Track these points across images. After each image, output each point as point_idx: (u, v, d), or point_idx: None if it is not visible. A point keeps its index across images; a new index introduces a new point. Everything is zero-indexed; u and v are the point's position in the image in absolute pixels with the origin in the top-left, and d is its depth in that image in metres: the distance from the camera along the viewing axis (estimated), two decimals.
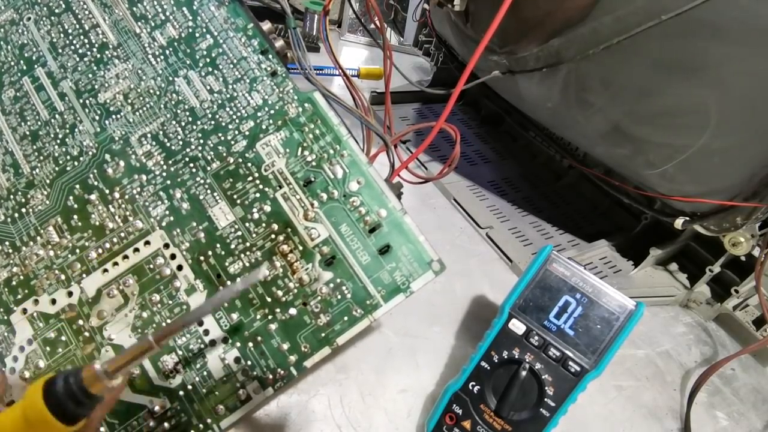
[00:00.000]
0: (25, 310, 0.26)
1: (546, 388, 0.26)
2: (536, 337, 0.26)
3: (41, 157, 0.28)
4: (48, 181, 0.27)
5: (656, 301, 0.41)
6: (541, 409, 0.25)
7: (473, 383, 0.27)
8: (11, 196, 0.28)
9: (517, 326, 0.27)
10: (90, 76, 0.29)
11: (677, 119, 0.31)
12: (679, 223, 0.37)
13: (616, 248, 0.45)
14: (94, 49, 0.29)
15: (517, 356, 0.26)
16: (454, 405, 0.27)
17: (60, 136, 0.28)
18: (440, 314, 0.35)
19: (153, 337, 0.18)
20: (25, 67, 0.29)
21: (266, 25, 0.29)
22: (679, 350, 0.37)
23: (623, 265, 0.43)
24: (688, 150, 0.31)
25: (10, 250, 0.27)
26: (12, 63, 0.29)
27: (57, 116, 0.28)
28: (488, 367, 0.27)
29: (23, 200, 0.27)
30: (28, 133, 0.28)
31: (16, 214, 0.27)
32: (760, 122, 0.29)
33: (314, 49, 0.75)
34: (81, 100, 0.28)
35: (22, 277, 0.26)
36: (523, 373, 0.26)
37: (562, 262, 0.27)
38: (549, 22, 0.33)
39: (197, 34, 0.28)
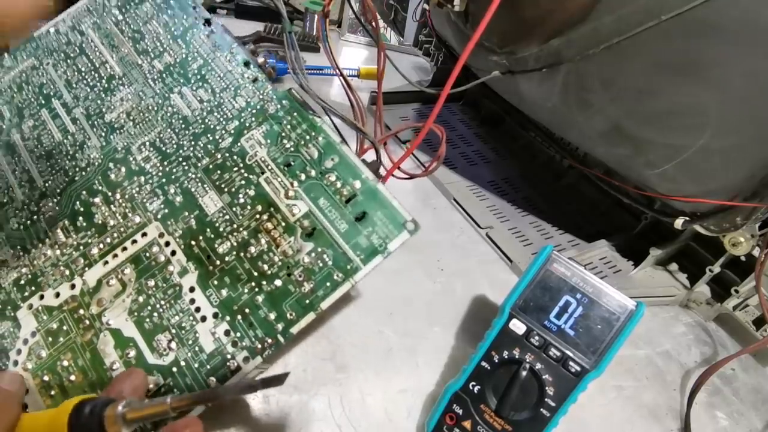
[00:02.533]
0: (30, 306, 0.27)
1: (546, 388, 0.26)
2: (537, 337, 0.26)
3: (53, 171, 0.31)
4: (58, 191, 0.30)
5: (656, 301, 0.41)
6: (541, 409, 0.25)
7: (473, 383, 0.27)
8: (25, 207, 0.30)
9: (518, 326, 0.27)
10: (99, 102, 0.32)
11: (677, 119, 0.31)
12: (679, 223, 0.37)
13: (616, 248, 0.45)
14: (103, 80, 0.33)
15: (517, 356, 0.26)
16: (455, 405, 0.27)
17: (71, 152, 0.31)
18: (440, 314, 0.35)
19: (170, 402, 0.20)
20: (43, 102, 0.33)
21: (249, 47, 0.32)
22: (679, 350, 0.37)
23: (623, 265, 0.43)
24: (688, 150, 0.31)
25: (21, 253, 0.29)
26: (32, 99, 0.34)
27: (69, 137, 0.32)
28: (488, 367, 0.27)
29: (36, 209, 0.30)
30: (43, 153, 0.32)
31: (29, 222, 0.30)
32: (760, 122, 0.29)
33: (314, 49, 0.75)
34: (90, 122, 0.32)
35: (30, 276, 0.28)
36: (524, 373, 0.26)
37: (563, 262, 0.27)
38: (549, 22, 0.33)
39: (190, 58, 0.32)
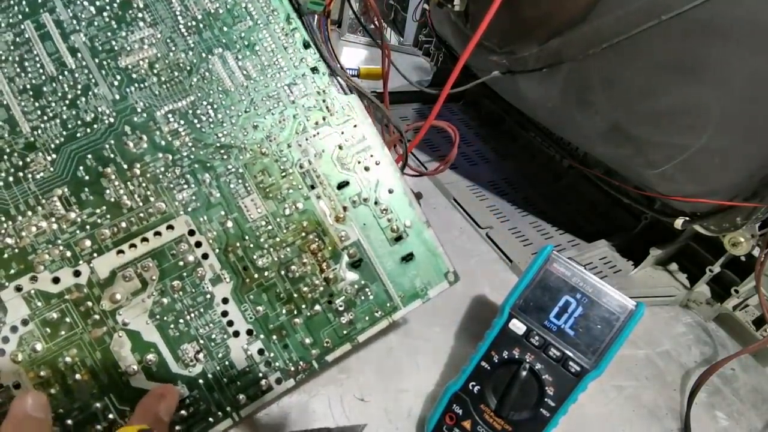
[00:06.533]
0: (19, 288, 0.23)
1: (546, 388, 0.26)
2: (536, 337, 0.26)
3: (45, 117, 0.25)
4: (53, 146, 0.25)
5: (656, 301, 0.41)
6: (541, 409, 0.25)
7: (473, 383, 0.27)
8: (5, 157, 0.24)
9: (518, 326, 0.27)
10: (109, 34, 0.26)
11: (677, 119, 0.31)
12: (679, 223, 0.37)
13: (616, 248, 0.45)
14: (115, 5, 0.26)
15: (517, 356, 0.26)
16: (454, 405, 0.27)
17: (69, 96, 0.25)
18: (440, 314, 0.35)
19: None
20: (27, 10, 0.25)
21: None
22: (679, 350, 0.37)
23: (623, 265, 0.43)
24: (688, 150, 0.31)
25: (2, 218, 0.24)
26: (12, 2, 0.25)
27: (66, 73, 0.25)
28: (488, 367, 0.27)
29: (20, 163, 0.24)
30: (28, 86, 0.25)
31: (11, 179, 0.24)
32: (759, 122, 0.29)
33: None
34: (97, 60, 0.25)
35: (17, 250, 0.23)
36: (524, 373, 0.26)
37: (563, 262, 0.27)
38: (549, 22, 0.33)
39: (236, 13, 0.27)
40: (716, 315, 0.40)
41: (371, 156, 0.27)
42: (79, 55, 0.25)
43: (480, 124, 0.62)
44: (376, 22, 0.32)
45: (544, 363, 0.26)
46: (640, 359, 0.36)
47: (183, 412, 0.24)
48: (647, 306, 0.26)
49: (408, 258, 0.27)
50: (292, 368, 0.25)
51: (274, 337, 0.25)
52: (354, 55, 0.81)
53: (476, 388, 0.26)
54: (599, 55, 0.30)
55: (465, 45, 0.29)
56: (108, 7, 0.26)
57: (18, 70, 0.25)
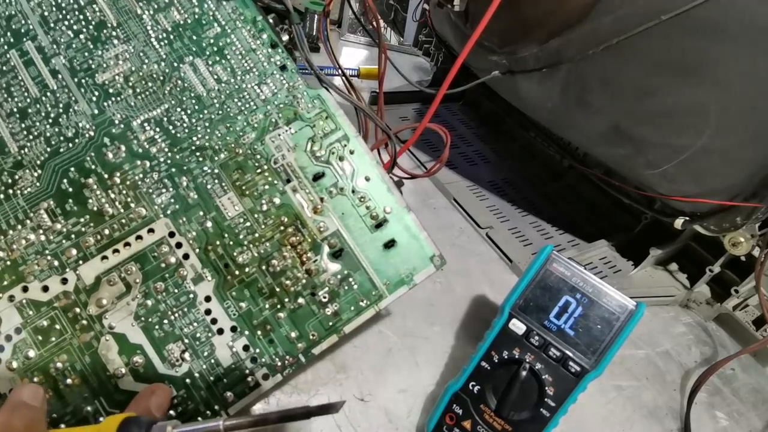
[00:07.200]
0: (12, 297, 0.24)
1: (546, 388, 0.26)
2: (536, 337, 0.26)
3: (31, 137, 0.26)
4: (39, 162, 0.26)
5: (656, 301, 0.41)
6: (541, 409, 0.25)
7: (473, 383, 0.27)
8: None
9: (518, 326, 0.27)
10: (86, 54, 0.27)
11: (677, 119, 0.31)
12: (679, 223, 0.37)
13: (616, 248, 0.45)
14: (91, 27, 0.28)
15: (517, 356, 0.26)
16: (454, 405, 0.27)
17: (52, 115, 0.27)
18: (440, 314, 0.35)
19: (223, 426, 0.18)
20: (12, 40, 0.27)
21: (270, 18, 0.29)
22: (679, 350, 0.37)
23: (623, 265, 0.43)
24: (688, 150, 0.31)
25: None
26: None
27: (49, 94, 0.27)
28: (488, 367, 0.27)
29: (9, 181, 0.26)
30: (15, 109, 0.26)
31: (2, 196, 0.26)
32: (759, 122, 0.29)
33: (314, 49, 0.75)
34: (76, 79, 0.27)
35: (8, 263, 0.25)
36: (524, 373, 0.26)
37: (563, 262, 0.27)
38: (549, 22, 0.33)
39: (204, 21, 0.28)
40: (716, 315, 0.40)
41: (345, 146, 0.27)
42: (60, 76, 0.27)
43: (480, 124, 0.62)
44: (375, 23, 0.32)
45: (544, 363, 0.26)
46: (640, 359, 0.36)
47: (171, 411, 0.24)
48: (647, 306, 0.26)
49: (390, 244, 0.27)
50: (279, 363, 0.25)
51: (259, 332, 0.25)
52: (354, 55, 0.81)
53: (476, 388, 0.26)
54: (599, 55, 0.30)
55: (465, 45, 0.29)
56: (84, 29, 0.27)
57: (5, 95, 0.27)
